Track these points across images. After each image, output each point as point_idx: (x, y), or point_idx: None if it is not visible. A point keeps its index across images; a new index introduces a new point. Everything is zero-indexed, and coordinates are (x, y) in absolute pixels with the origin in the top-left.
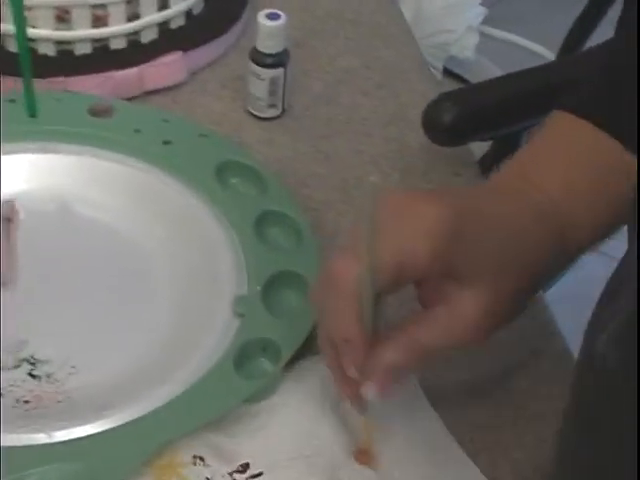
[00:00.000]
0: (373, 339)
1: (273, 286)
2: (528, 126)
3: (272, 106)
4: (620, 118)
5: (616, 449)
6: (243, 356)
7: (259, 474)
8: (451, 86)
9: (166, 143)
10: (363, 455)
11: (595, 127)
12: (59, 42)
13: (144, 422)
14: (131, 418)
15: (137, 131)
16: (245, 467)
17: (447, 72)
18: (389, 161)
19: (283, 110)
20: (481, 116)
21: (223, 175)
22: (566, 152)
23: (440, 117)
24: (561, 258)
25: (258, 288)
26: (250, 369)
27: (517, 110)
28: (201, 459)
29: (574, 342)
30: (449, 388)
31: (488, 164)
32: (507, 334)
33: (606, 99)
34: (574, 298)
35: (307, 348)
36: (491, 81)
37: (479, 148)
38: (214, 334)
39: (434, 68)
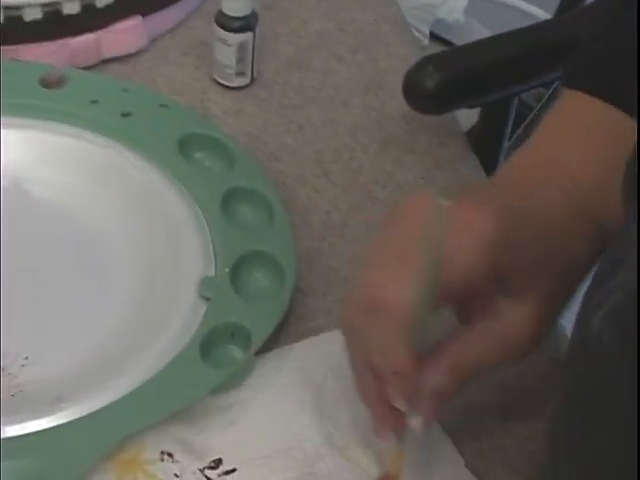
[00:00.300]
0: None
1: (242, 267)
2: (520, 91)
3: (240, 74)
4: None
5: (611, 432)
6: (210, 343)
7: (232, 470)
8: (437, 51)
9: (125, 115)
10: None
11: (613, 107)
12: (7, 7)
13: (103, 415)
14: (90, 411)
15: (93, 102)
16: (217, 463)
17: (434, 37)
18: (367, 132)
19: (252, 78)
20: (467, 81)
21: (187, 149)
22: (591, 136)
23: (422, 82)
24: (595, 248)
25: (226, 269)
26: (218, 356)
27: (507, 74)
28: (169, 455)
29: (569, 325)
30: None
31: (477, 134)
32: None
33: (624, 78)
34: None
35: (279, 334)
36: (478, 42)
37: (467, 117)
38: (179, 319)
39: (419, 32)
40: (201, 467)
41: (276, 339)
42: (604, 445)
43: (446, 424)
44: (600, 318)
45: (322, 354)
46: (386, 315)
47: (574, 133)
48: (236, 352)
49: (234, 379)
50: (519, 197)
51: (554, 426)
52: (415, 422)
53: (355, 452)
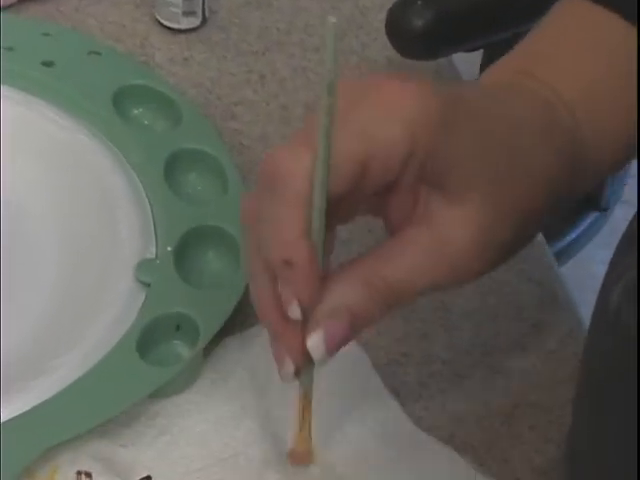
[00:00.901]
0: (323, 272)
1: (189, 246)
2: (527, 31)
3: (189, 14)
4: None
5: (626, 422)
6: (150, 337)
7: None
8: None
9: (47, 64)
10: (298, 452)
11: (621, 19)
12: None
13: (22, 423)
14: (5, 418)
15: (9, 50)
16: None
17: None
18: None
19: (203, 19)
20: (465, 17)
21: (123, 104)
22: (584, 47)
23: (409, 20)
24: (573, 180)
25: (169, 249)
26: (159, 353)
27: (515, 7)
28: (87, 475)
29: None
30: (421, 370)
31: None
32: (500, 300)
33: None
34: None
35: (232, 326)
36: None
37: (470, 64)
38: (112, 309)
39: None
40: None
41: (229, 332)
42: (621, 436)
43: (435, 431)
44: (619, 292)
45: (265, 349)
46: (280, 185)
47: (570, 45)
48: (181, 348)
49: (179, 380)
50: (488, 101)
51: (572, 434)
52: (313, 342)
53: None
